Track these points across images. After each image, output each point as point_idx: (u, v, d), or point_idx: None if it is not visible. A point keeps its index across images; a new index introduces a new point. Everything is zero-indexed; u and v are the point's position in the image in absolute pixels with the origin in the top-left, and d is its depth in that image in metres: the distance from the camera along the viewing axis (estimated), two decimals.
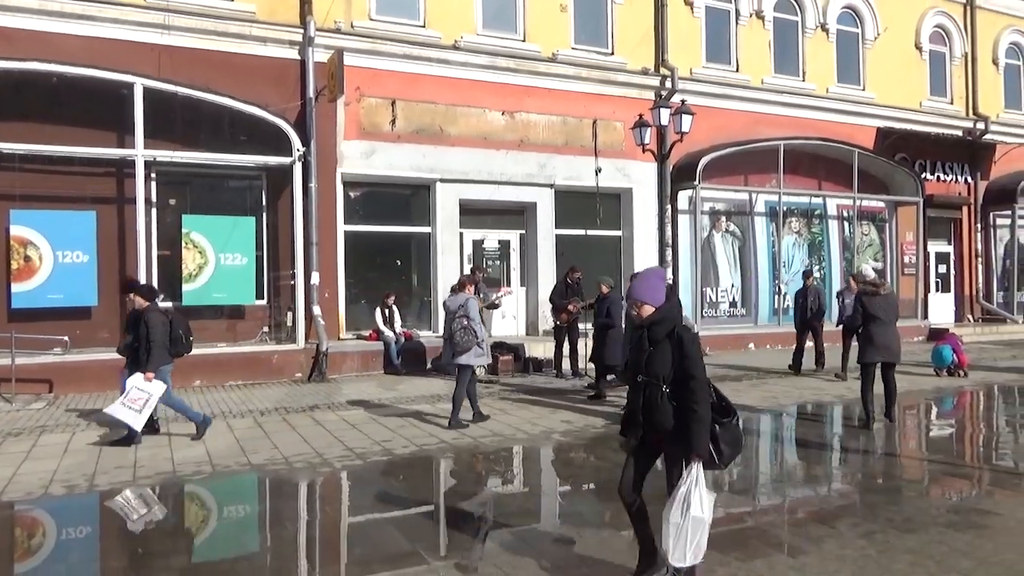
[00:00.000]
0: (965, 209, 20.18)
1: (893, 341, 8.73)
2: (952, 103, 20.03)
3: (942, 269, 20.12)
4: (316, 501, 6.40)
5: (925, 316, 18.88)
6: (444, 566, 4.60)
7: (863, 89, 18.49)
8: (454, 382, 11.84)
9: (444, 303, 9.25)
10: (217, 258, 12.15)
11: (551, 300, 12.59)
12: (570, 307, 12.06)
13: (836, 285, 18.17)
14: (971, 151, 20.07)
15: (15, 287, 11.02)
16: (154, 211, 12.15)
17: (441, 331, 13.39)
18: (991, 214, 20.52)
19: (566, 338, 12.40)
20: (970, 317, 20.15)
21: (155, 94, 11.41)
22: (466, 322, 8.61)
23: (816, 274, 17.25)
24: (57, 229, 11.19)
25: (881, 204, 19.00)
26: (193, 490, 6.46)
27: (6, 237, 11.04)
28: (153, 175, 12.08)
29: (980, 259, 20.43)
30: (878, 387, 8.72)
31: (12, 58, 10.66)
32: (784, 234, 17.42)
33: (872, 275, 9.53)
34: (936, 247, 19.93)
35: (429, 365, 13.05)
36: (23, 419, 9.08)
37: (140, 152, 11.38)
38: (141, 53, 11.52)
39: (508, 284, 15.18)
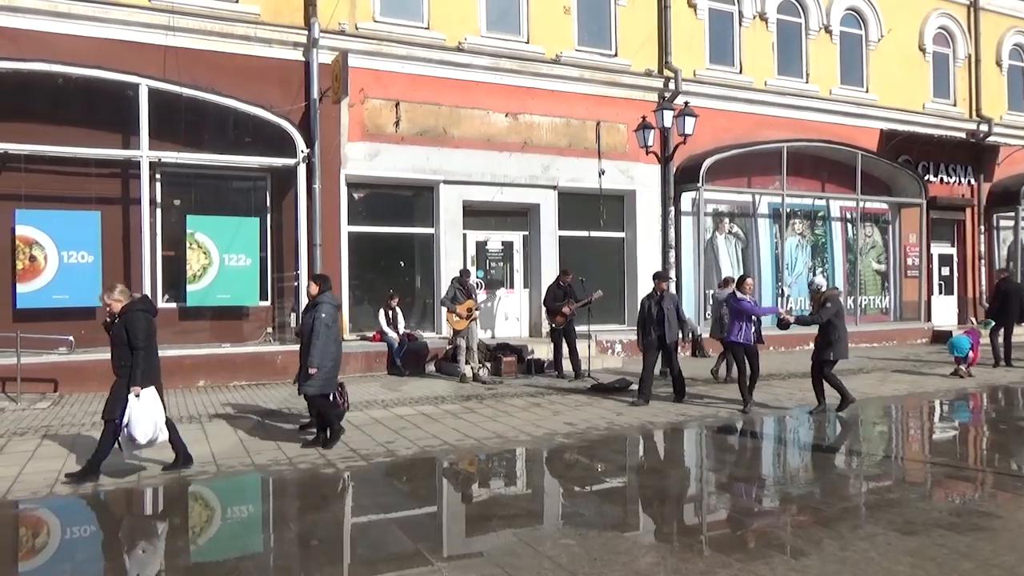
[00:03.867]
0: (968, 211, 20.17)
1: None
2: (955, 105, 20.01)
3: (945, 271, 20.10)
4: (319, 501, 6.42)
5: (928, 318, 18.86)
6: (447, 567, 4.63)
7: (866, 91, 18.48)
8: (458, 383, 11.97)
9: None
10: (221, 259, 12.20)
11: (545, 304, 12.67)
12: (564, 310, 12.14)
13: (839, 287, 18.21)
14: (974, 153, 20.06)
15: (20, 287, 11.07)
16: (159, 212, 12.21)
17: (445, 332, 13.51)
18: (995, 216, 20.51)
19: (563, 340, 12.43)
20: (973, 320, 20.01)
21: (160, 95, 11.46)
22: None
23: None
24: (62, 229, 11.24)
25: (884, 206, 18.99)
26: (197, 490, 6.49)
27: (12, 237, 11.09)
28: (158, 176, 12.13)
29: (983, 261, 20.40)
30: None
31: (18, 59, 10.73)
32: (787, 236, 17.43)
33: (823, 285, 9.89)
34: (939, 249, 19.92)
35: (432, 367, 13.09)
36: (28, 418, 9.12)
37: (145, 153, 11.43)
38: (146, 54, 11.57)
39: (511, 286, 15.21)
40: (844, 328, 9.54)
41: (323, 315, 7.51)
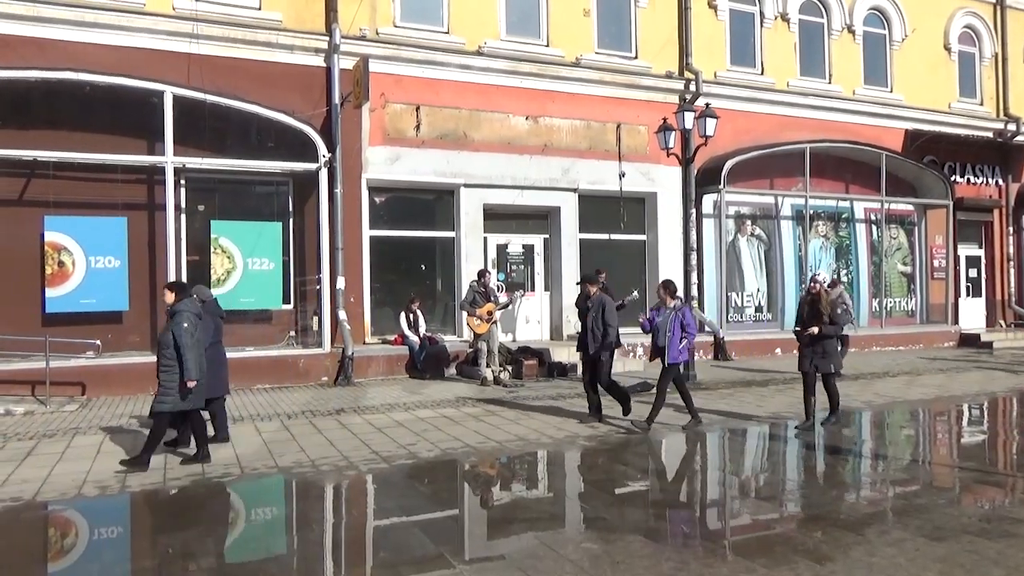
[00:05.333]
0: (996, 212, 19.85)
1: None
2: (982, 104, 19.71)
3: (973, 273, 19.79)
4: (342, 504, 6.46)
5: (956, 321, 18.57)
6: (469, 569, 4.63)
7: (891, 91, 18.27)
8: (479, 386, 11.96)
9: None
10: (245, 263, 12.32)
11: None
12: None
13: (864, 290, 18.01)
14: (1002, 153, 19.74)
15: (49, 292, 11.25)
16: (184, 217, 12.35)
17: (465, 335, 13.53)
18: (1023, 217, 20.16)
19: None
20: (1002, 322, 19.78)
21: (184, 102, 11.61)
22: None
23: (844, 279, 17.10)
24: (90, 235, 11.41)
25: (910, 207, 18.75)
26: (222, 491, 6.54)
27: (41, 243, 11.28)
28: (183, 181, 12.28)
29: (1012, 263, 20.05)
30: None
31: (46, 68, 10.92)
32: (811, 238, 17.25)
33: (827, 281, 9.40)
34: (966, 251, 19.61)
35: (453, 370, 13.12)
36: (57, 421, 9.27)
37: (170, 159, 11.57)
38: (170, 62, 11.72)
39: (532, 289, 15.20)
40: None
41: (184, 324, 6.93)
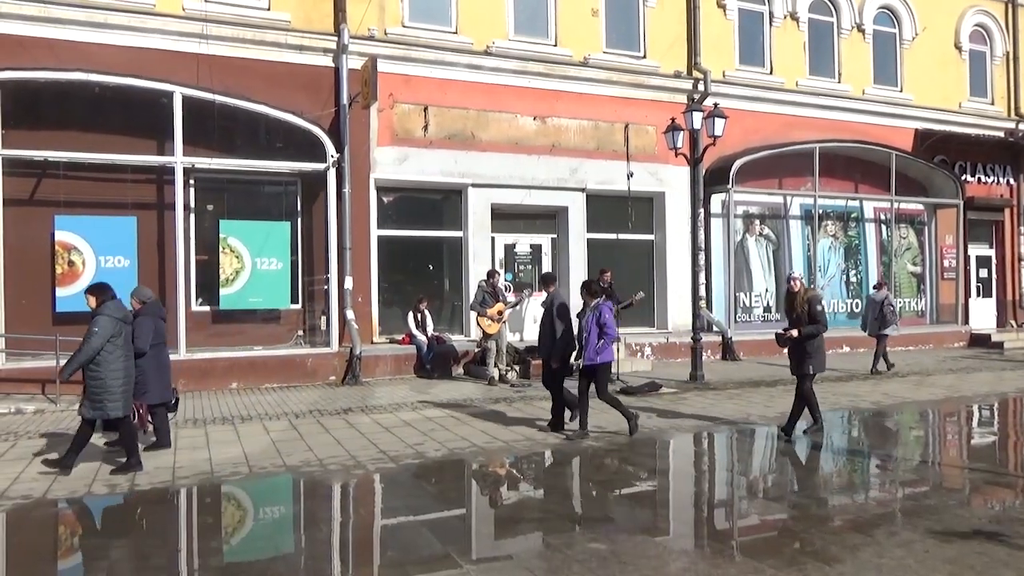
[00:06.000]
0: (1007, 211, 19.73)
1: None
2: (993, 103, 19.59)
3: (983, 273, 19.66)
4: (349, 503, 6.47)
5: (966, 321, 18.46)
6: (476, 569, 4.63)
7: (901, 90, 18.18)
8: (487, 386, 11.98)
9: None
10: (253, 263, 12.36)
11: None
12: None
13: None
14: (1013, 152, 19.61)
15: (59, 291, 11.32)
16: (192, 217, 12.40)
17: (473, 335, 13.54)
18: None
19: None
20: (1012, 323, 19.65)
21: (194, 102, 11.65)
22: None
23: (853, 279, 17.07)
24: (100, 234, 11.48)
25: (920, 207, 18.65)
26: (230, 491, 6.57)
27: (51, 242, 11.35)
28: (191, 181, 12.33)
29: (1023, 263, 19.92)
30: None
31: (57, 68, 10.98)
32: (820, 238, 17.18)
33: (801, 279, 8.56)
34: (977, 250, 19.49)
35: (460, 369, 13.13)
36: (67, 419, 9.31)
37: (179, 159, 11.63)
38: (180, 62, 11.77)
39: (539, 289, 15.16)
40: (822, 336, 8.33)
41: (96, 329, 6.64)
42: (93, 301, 6.95)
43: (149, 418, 7.85)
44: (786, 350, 8.33)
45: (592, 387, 8.27)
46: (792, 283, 8.23)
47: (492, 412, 9.79)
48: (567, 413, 8.62)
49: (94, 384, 6.70)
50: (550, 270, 15.15)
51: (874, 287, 14.62)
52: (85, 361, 6.64)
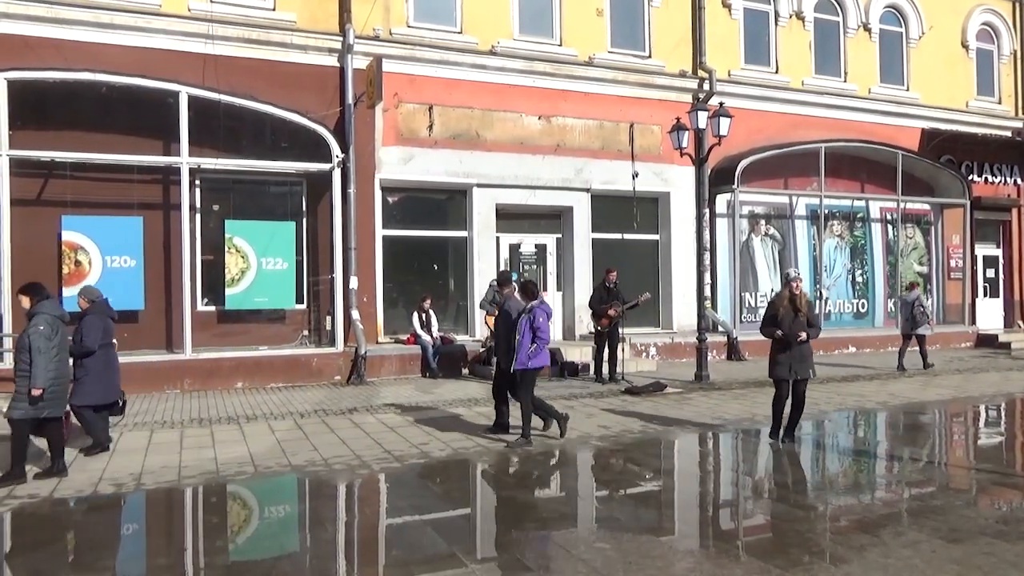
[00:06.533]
0: (1014, 211, 19.64)
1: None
2: (1000, 103, 19.51)
3: (990, 273, 19.58)
4: (354, 502, 6.47)
5: (973, 322, 18.39)
6: (481, 568, 4.63)
7: (907, 89, 18.12)
8: (491, 385, 11.94)
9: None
10: (259, 263, 12.38)
11: (591, 306, 12.54)
12: (610, 312, 12.02)
13: (880, 290, 17.88)
14: (1021, 152, 19.52)
15: (66, 291, 11.33)
16: (198, 217, 12.43)
17: (479, 335, 13.54)
18: None
19: (605, 343, 12.33)
20: (1020, 323, 19.56)
21: (200, 102, 11.69)
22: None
23: (860, 278, 17.02)
24: (106, 234, 11.52)
25: (926, 207, 18.58)
26: (235, 490, 6.58)
27: (58, 242, 11.39)
28: (197, 181, 12.36)
29: None
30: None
31: (64, 68, 11.02)
32: (825, 238, 17.14)
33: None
34: (984, 250, 19.40)
35: (465, 369, 13.13)
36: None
37: (185, 159, 11.66)
38: (186, 62, 11.80)
39: (544, 289, 15.16)
40: None
41: (41, 327, 6.48)
42: (27, 301, 6.72)
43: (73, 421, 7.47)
44: (773, 353, 7.94)
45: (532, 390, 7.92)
46: (795, 284, 7.86)
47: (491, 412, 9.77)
48: (538, 421, 8.29)
49: (23, 383, 6.47)
50: (555, 270, 15.19)
51: (906, 288, 14.91)
52: (46, 364, 6.43)
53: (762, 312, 16.31)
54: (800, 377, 7.92)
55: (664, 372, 13.10)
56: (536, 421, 8.21)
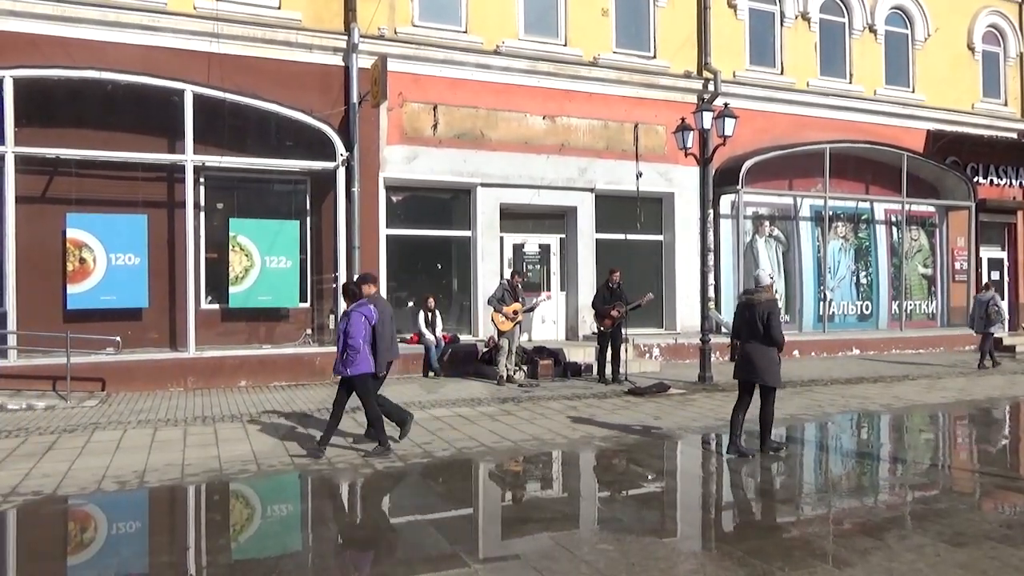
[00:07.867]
0: (1020, 213, 19.59)
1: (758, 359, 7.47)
2: (1006, 104, 19.46)
3: (995, 276, 19.50)
4: (357, 501, 6.47)
5: None
6: (484, 568, 4.62)
7: (913, 91, 18.07)
8: (495, 385, 11.99)
9: None
10: (263, 261, 12.39)
11: (594, 306, 12.53)
12: (613, 312, 12.00)
13: (884, 292, 17.84)
14: None
15: (71, 288, 11.38)
16: (203, 215, 12.44)
17: (482, 334, 13.53)
18: None
19: (608, 344, 12.31)
20: None
21: (205, 101, 11.70)
22: None
23: (864, 280, 16.97)
24: (110, 232, 11.53)
25: (931, 209, 18.54)
26: (239, 488, 6.59)
27: (63, 240, 11.41)
28: (202, 180, 12.37)
29: None
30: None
31: (70, 67, 11.04)
32: (830, 239, 17.10)
33: (765, 281, 7.71)
34: (989, 253, 19.35)
35: (469, 369, 13.12)
36: (77, 416, 9.37)
37: (190, 157, 11.67)
38: (191, 61, 11.82)
39: (548, 289, 15.18)
40: None
41: None
42: None
43: None
44: (740, 358, 7.77)
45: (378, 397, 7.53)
46: (768, 286, 7.53)
47: (500, 412, 9.77)
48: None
49: None
50: (558, 270, 15.18)
51: (983, 287, 15.61)
52: None
53: None
54: (771, 384, 7.53)
55: (667, 373, 13.09)
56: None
